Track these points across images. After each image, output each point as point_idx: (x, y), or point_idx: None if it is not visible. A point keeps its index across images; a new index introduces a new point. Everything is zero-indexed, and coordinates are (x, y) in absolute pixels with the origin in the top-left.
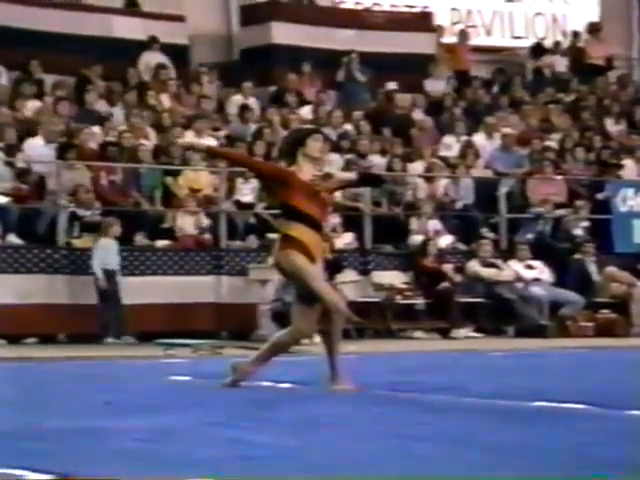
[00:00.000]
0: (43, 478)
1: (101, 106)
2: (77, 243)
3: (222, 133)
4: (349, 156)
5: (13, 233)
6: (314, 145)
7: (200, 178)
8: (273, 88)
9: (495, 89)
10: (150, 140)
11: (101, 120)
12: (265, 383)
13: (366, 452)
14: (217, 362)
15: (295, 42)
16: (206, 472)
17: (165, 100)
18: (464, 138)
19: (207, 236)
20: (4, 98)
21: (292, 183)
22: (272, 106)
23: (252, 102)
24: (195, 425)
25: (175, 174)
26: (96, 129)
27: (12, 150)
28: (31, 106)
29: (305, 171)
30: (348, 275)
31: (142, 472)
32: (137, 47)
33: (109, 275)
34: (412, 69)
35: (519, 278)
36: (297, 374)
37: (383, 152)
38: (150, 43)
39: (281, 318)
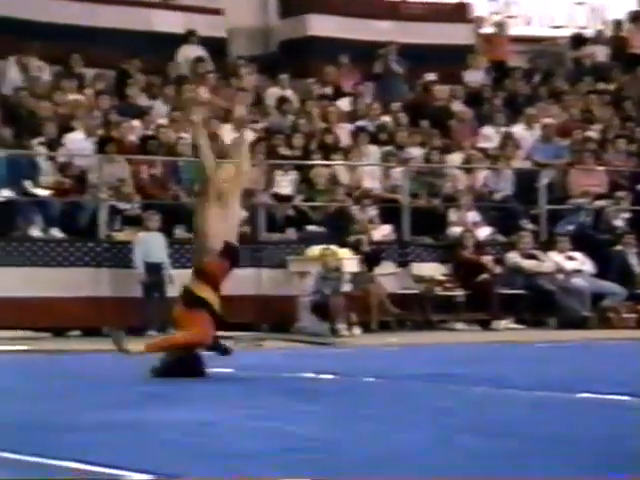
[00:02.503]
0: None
1: (141, 100)
2: (118, 236)
3: (260, 125)
4: (387, 148)
5: (56, 227)
6: None
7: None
8: (311, 80)
9: (535, 79)
10: (189, 133)
11: (141, 114)
12: (306, 375)
13: (408, 443)
14: (258, 354)
15: (333, 34)
16: (249, 466)
17: (204, 93)
18: (504, 129)
19: (246, 229)
20: (46, 92)
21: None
22: (310, 98)
23: (290, 94)
24: (238, 418)
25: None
26: (136, 123)
27: (53, 144)
28: (72, 100)
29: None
30: (387, 267)
31: (187, 465)
32: (176, 41)
33: (153, 268)
34: (450, 60)
35: (560, 270)
36: (338, 365)
37: (422, 144)
38: (188, 36)
39: (321, 310)
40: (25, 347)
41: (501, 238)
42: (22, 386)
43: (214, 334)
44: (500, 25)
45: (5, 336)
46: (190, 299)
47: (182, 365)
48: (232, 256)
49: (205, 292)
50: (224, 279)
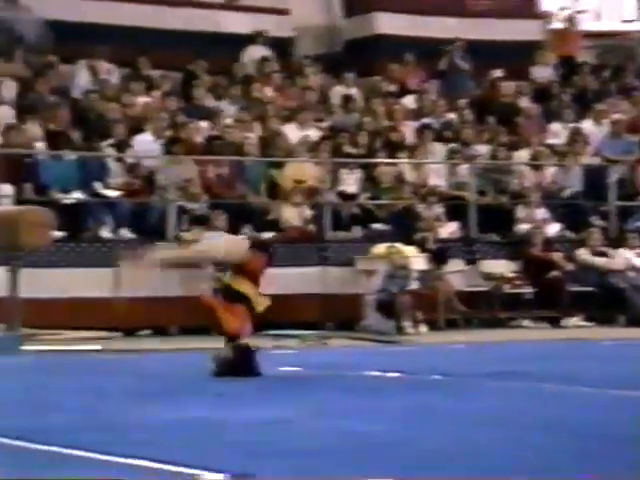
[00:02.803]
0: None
1: (207, 100)
2: (186, 236)
3: (325, 124)
4: (453, 145)
5: (125, 227)
6: None
7: (305, 170)
8: (376, 78)
9: (604, 75)
10: (255, 133)
11: (207, 114)
12: (373, 373)
13: (477, 441)
14: (324, 353)
15: (398, 32)
16: (318, 464)
17: (269, 93)
18: (572, 125)
19: (312, 227)
20: (114, 95)
21: None
22: (375, 96)
23: (355, 93)
24: (307, 416)
25: (280, 166)
26: (203, 123)
27: (122, 146)
28: (140, 102)
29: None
30: (454, 265)
31: (257, 464)
32: (242, 41)
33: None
34: (517, 56)
35: (631, 267)
36: (404, 364)
37: (488, 141)
38: (256, 37)
39: (387, 308)
40: (97, 347)
41: (570, 235)
42: (95, 385)
43: (250, 332)
44: (569, 20)
45: (78, 336)
46: (230, 294)
47: (238, 365)
48: (266, 251)
49: (245, 287)
50: (262, 274)
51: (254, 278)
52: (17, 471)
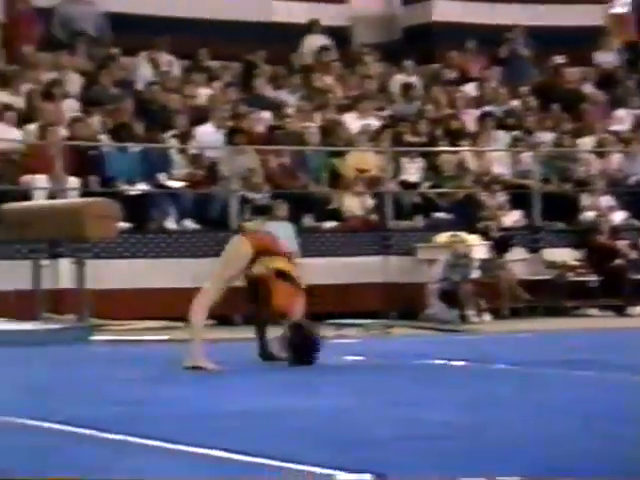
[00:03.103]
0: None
1: (267, 90)
2: (248, 226)
3: (385, 113)
4: (516, 133)
5: (189, 218)
6: None
7: (366, 159)
8: (436, 66)
9: None
10: (315, 122)
11: (269, 104)
12: (438, 361)
13: (546, 430)
14: (387, 342)
15: (458, 19)
16: (383, 453)
17: (329, 82)
18: (637, 112)
19: (373, 216)
20: (176, 86)
21: None
22: (436, 84)
23: (415, 81)
24: (374, 405)
25: (341, 155)
26: (264, 113)
27: (185, 137)
28: (201, 93)
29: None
30: (517, 253)
31: (317, 453)
32: (300, 31)
33: None
34: (581, 42)
35: None
36: (469, 352)
37: (552, 128)
38: (312, 26)
39: (449, 297)
40: (165, 337)
41: (636, 223)
42: (162, 374)
43: (300, 311)
44: (630, 5)
45: (144, 326)
46: (277, 275)
47: (296, 344)
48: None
49: (276, 263)
50: (276, 246)
51: (274, 252)
52: (87, 460)
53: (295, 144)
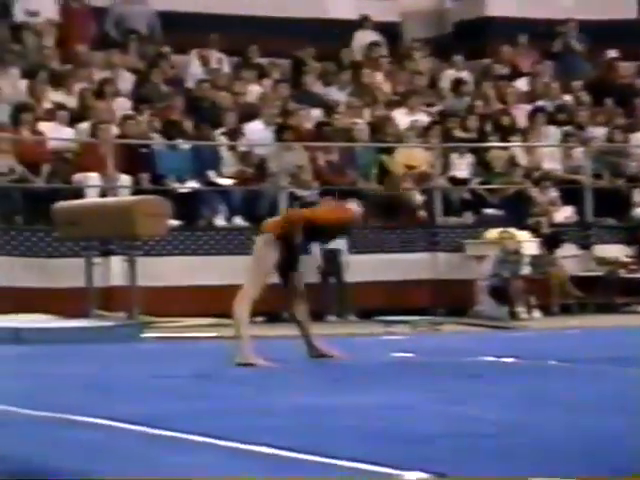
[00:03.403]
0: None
1: (317, 87)
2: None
3: (435, 109)
4: (567, 128)
5: (238, 215)
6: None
7: (415, 155)
8: (487, 61)
9: None
10: (364, 118)
11: (318, 101)
12: (487, 358)
13: (599, 429)
14: (436, 338)
15: (510, 13)
16: (432, 450)
17: (379, 78)
18: None
19: (422, 213)
20: (226, 84)
21: None
22: (486, 79)
23: (465, 76)
24: (421, 402)
25: (390, 152)
26: (313, 110)
27: (234, 134)
28: (251, 90)
29: None
30: (568, 249)
31: (367, 450)
32: (350, 27)
33: (330, 254)
34: (634, 36)
35: None
36: (519, 349)
37: (604, 123)
38: (362, 22)
39: (499, 293)
40: (213, 333)
41: None
42: (212, 372)
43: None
44: None
45: (194, 323)
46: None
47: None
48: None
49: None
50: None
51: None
52: (138, 456)
53: (344, 141)
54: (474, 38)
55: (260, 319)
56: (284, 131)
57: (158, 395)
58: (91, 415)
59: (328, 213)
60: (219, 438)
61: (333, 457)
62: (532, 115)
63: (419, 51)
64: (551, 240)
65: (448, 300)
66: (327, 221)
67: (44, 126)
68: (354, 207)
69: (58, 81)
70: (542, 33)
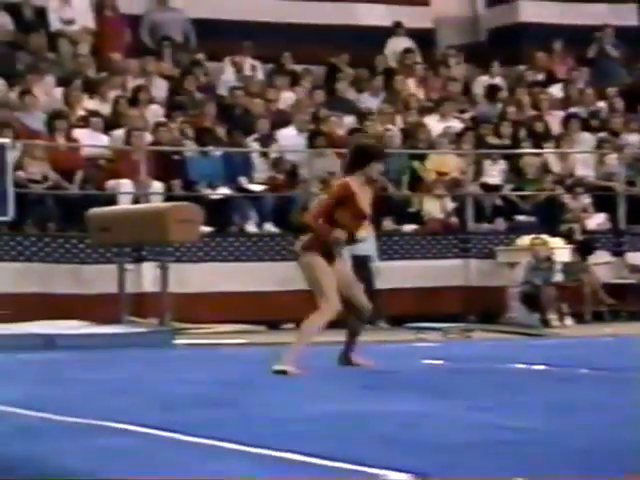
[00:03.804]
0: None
1: (350, 93)
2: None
3: (468, 115)
4: (601, 135)
5: (269, 222)
6: (376, 167)
7: (447, 161)
8: (522, 67)
9: None
10: (397, 125)
11: (351, 107)
12: (518, 365)
13: (627, 439)
14: (467, 346)
15: (545, 19)
16: (461, 458)
17: (412, 84)
18: None
19: (454, 219)
20: (259, 90)
21: (350, 203)
22: (521, 85)
23: (499, 82)
24: (450, 409)
25: (422, 158)
26: (346, 116)
27: (267, 140)
28: (284, 97)
29: (362, 191)
30: (601, 256)
31: (398, 458)
32: (383, 33)
33: (360, 261)
34: None
35: None
36: (550, 357)
37: (639, 130)
38: (395, 29)
39: (531, 301)
40: (244, 340)
41: None
42: (244, 378)
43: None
44: None
45: (225, 330)
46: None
47: None
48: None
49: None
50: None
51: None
52: (172, 464)
53: None
54: (509, 44)
55: (290, 325)
56: (316, 137)
57: (189, 402)
58: (123, 422)
59: (313, 219)
60: (249, 445)
61: (361, 464)
62: (566, 121)
63: (453, 57)
64: (584, 247)
65: (479, 307)
66: (311, 224)
67: (78, 133)
68: (338, 234)
69: (93, 89)
70: (578, 39)
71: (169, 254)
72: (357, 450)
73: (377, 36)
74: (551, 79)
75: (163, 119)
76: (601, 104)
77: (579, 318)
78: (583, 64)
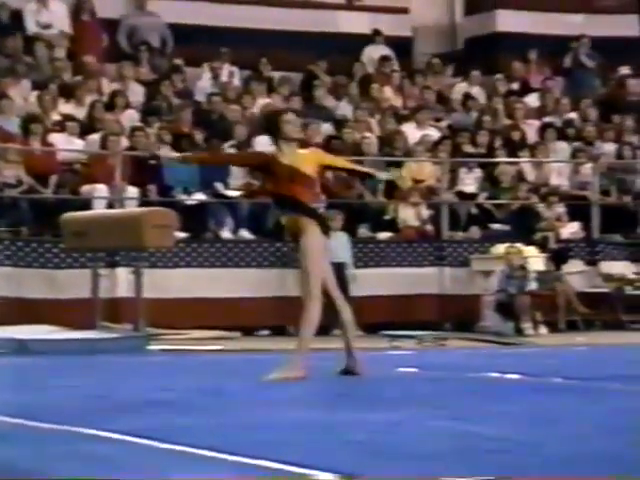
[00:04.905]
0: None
1: (327, 101)
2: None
3: (444, 123)
4: (577, 144)
5: (244, 228)
6: (288, 127)
7: (423, 169)
8: (498, 76)
9: None
10: (373, 132)
11: (328, 115)
12: (492, 374)
13: (606, 447)
14: (442, 354)
15: (521, 29)
16: (434, 466)
17: (388, 92)
18: None
19: (429, 227)
20: (236, 97)
21: (273, 168)
22: (496, 95)
23: (476, 91)
24: (423, 418)
25: (398, 166)
26: (323, 124)
27: (243, 147)
28: (261, 103)
29: (286, 154)
30: (575, 265)
31: (369, 465)
32: (361, 41)
33: (336, 268)
34: None
35: None
36: (524, 365)
37: (614, 140)
38: (374, 36)
39: (505, 309)
40: (218, 347)
41: None
42: (216, 385)
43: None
44: None
45: (200, 336)
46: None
47: None
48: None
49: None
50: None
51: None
52: (145, 471)
53: (353, 154)
54: (486, 54)
55: (265, 332)
56: None
57: (163, 408)
58: (97, 428)
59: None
60: (225, 452)
61: (331, 471)
62: (542, 131)
63: (430, 66)
64: (558, 256)
65: (454, 315)
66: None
67: (54, 137)
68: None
69: (69, 93)
70: (554, 49)
71: (144, 259)
72: (327, 457)
73: (355, 43)
74: (527, 88)
75: (139, 124)
76: (574, 114)
77: (553, 327)
78: (559, 74)
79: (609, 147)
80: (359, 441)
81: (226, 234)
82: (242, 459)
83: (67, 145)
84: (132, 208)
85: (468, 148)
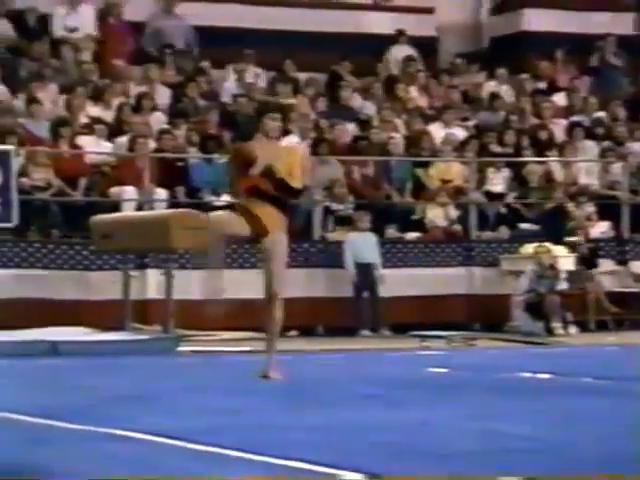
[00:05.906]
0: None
1: (353, 101)
2: (332, 237)
3: (471, 123)
4: (605, 143)
5: None
6: (270, 124)
7: (451, 169)
8: (525, 76)
9: None
10: (400, 132)
11: (354, 115)
12: (522, 374)
13: (637, 447)
14: (471, 354)
15: (548, 28)
16: (464, 466)
17: (414, 92)
18: None
19: (457, 227)
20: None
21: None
22: (523, 94)
23: (503, 91)
24: (453, 418)
25: (425, 166)
26: (349, 124)
27: None
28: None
29: (259, 147)
30: (605, 265)
31: (401, 465)
32: (386, 41)
33: (364, 268)
34: None
35: None
36: (554, 365)
37: None
38: (398, 37)
39: (535, 309)
40: (248, 348)
41: None
42: (248, 386)
43: None
44: None
45: (229, 337)
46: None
47: None
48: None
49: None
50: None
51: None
52: (175, 471)
53: (379, 155)
54: (512, 53)
55: (294, 333)
56: (319, 145)
57: (192, 409)
58: (128, 429)
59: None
60: (253, 453)
61: (365, 473)
62: (569, 130)
63: (455, 65)
64: (588, 256)
65: (483, 315)
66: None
67: (82, 140)
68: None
69: (96, 96)
70: (580, 48)
71: (173, 261)
72: (358, 458)
73: (380, 44)
74: (553, 87)
75: (166, 126)
76: (603, 113)
77: (583, 326)
78: (585, 73)
79: (638, 146)
80: (389, 441)
81: None
82: (271, 459)
83: (95, 148)
84: (161, 210)
85: (495, 148)
